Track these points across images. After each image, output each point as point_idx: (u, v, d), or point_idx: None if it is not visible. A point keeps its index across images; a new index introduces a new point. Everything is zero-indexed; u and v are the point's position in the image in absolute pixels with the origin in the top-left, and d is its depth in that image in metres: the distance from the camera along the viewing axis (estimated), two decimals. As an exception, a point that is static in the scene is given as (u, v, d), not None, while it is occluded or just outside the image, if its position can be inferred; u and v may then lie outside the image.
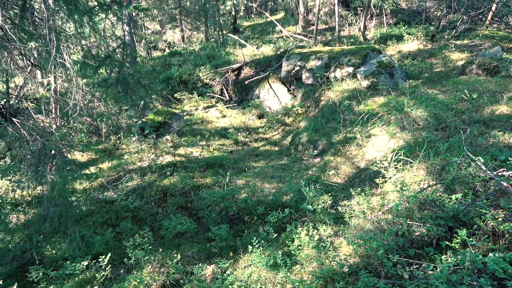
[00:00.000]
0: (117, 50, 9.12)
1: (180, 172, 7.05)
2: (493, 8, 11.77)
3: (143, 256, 4.24)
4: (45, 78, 8.18)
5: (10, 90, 10.41)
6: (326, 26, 16.89)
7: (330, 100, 8.74)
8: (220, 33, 17.65)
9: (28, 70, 8.67)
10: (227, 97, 12.42)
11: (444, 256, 3.25)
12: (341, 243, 4.22)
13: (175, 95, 11.99)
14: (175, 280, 4.12)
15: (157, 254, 4.20)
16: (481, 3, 12.38)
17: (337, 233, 4.47)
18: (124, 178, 7.02)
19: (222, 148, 8.67)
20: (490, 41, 10.82)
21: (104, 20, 10.68)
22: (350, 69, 9.48)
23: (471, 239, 3.35)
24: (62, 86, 7.52)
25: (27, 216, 6.01)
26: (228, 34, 17.76)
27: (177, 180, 6.71)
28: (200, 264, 4.10)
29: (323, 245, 4.17)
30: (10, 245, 5.35)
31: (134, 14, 17.01)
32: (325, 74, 9.77)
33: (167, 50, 19.16)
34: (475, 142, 5.36)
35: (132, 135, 8.92)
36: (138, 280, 3.91)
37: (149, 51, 18.47)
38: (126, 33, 14.48)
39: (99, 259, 4.29)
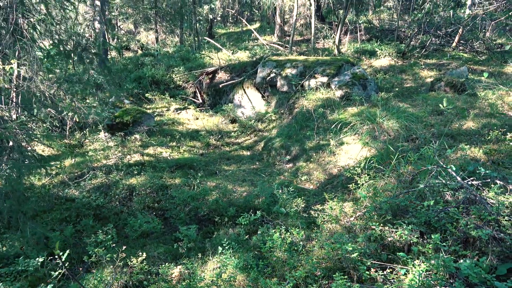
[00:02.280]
0: (88, 42, 8.74)
1: (148, 171, 6.78)
2: (460, 31, 12.36)
3: (105, 254, 3.97)
4: (6, 64, 7.70)
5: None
6: (302, 38, 17.14)
7: (304, 108, 8.77)
8: (196, 38, 17.48)
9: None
10: (200, 100, 12.22)
11: (417, 260, 3.23)
12: (314, 247, 4.14)
13: (146, 94, 11.67)
14: (139, 280, 3.88)
15: (120, 253, 3.94)
16: (449, 26, 12.98)
17: (310, 237, 4.39)
18: (88, 175, 6.65)
19: (193, 150, 8.46)
20: (457, 62, 11.32)
21: (76, 10, 10.26)
22: (325, 79, 9.59)
23: (444, 244, 3.37)
24: (26, 74, 7.10)
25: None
26: (205, 38, 17.63)
27: (145, 179, 6.43)
28: (166, 264, 3.88)
29: (296, 248, 4.08)
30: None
31: (107, 13, 16.54)
32: (299, 82, 9.83)
33: (140, 51, 18.74)
34: (444, 154, 5.49)
35: (98, 132, 8.53)
36: (98, 279, 3.64)
37: (121, 50, 17.98)
38: (97, 30, 14.03)
39: (56, 256, 3.97)
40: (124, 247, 4.08)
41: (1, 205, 5.43)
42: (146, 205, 5.76)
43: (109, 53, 15.12)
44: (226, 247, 4.12)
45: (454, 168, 4.35)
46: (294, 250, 4.05)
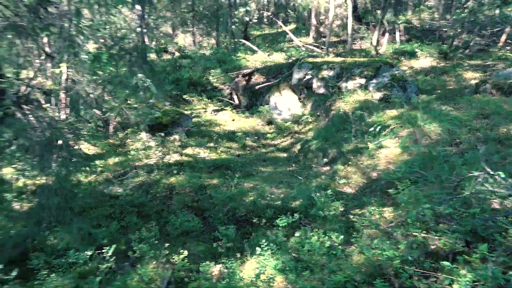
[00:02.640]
0: (128, 46, 9.06)
1: (187, 171, 6.96)
2: (507, 30, 11.79)
3: (148, 250, 4.13)
4: (56, 68, 8.13)
5: (21, 79, 10.37)
6: (338, 39, 16.94)
7: (341, 110, 8.68)
8: (232, 40, 17.71)
9: (40, 60, 8.64)
10: (237, 102, 12.38)
11: (463, 270, 3.14)
12: (353, 252, 4.10)
13: (184, 96, 11.96)
14: (180, 277, 4.00)
15: (162, 250, 4.09)
16: (495, 25, 12.41)
17: (348, 241, 4.36)
18: (130, 173, 6.93)
19: (230, 151, 8.59)
20: (504, 63, 10.80)
21: (119, 15, 10.69)
22: (362, 81, 9.44)
23: (492, 255, 3.24)
24: (74, 77, 7.48)
25: (31, 204, 5.91)
26: (240, 40, 17.82)
27: (184, 179, 6.61)
28: (207, 262, 3.98)
29: (334, 252, 4.06)
30: (12, 232, 5.24)
31: (146, 16, 17.09)
32: (336, 84, 9.74)
33: (177, 54, 19.22)
34: (491, 160, 5.27)
35: (139, 132, 8.85)
36: (143, 275, 3.79)
37: (160, 52, 18.51)
38: (138, 33, 14.52)
39: (103, 250, 4.18)
40: (166, 244, 4.22)
41: (50, 201, 5.76)
42: (185, 204, 5.92)
43: (148, 55, 15.62)
44: (265, 248, 4.17)
45: (502, 175, 4.17)
46: (333, 254, 4.03)
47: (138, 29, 14.44)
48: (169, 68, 14.58)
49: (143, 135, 8.68)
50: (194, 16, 19.92)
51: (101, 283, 3.85)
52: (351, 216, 4.78)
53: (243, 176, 6.99)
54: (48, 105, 7.79)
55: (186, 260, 4.03)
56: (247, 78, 12.85)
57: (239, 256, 4.37)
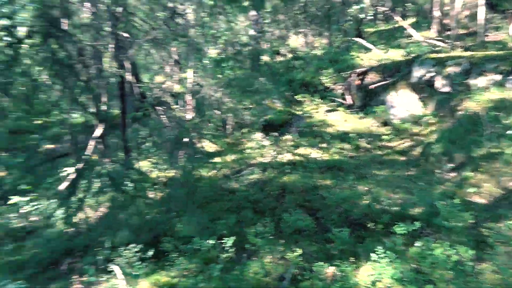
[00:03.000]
0: (245, 50, 9.50)
1: (299, 171, 7.05)
2: None
3: (264, 245, 4.31)
4: (183, 73, 8.99)
5: (154, 84, 11.81)
6: (466, 31, 15.19)
7: (470, 110, 7.78)
8: (344, 39, 17.31)
9: (170, 66, 9.67)
10: (349, 102, 12.06)
11: None
12: (485, 270, 3.66)
13: (296, 97, 12.12)
14: (293, 274, 4.08)
15: (277, 246, 4.22)
16: None
17: (480, 258, 3.90)
18: (246, 171, 7.30)
19: (342, 152, 8.42)
20: None
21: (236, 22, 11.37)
22: (497, 77, 8.31)
23: None
24: (197, 82, 8.19)
25: (163, 194, 6.66)
26: (353, 38, 17.30)
27: (296, 178, 6.71)
28: (320, 263, 3.98)
29: (462, 268, 3.67)
30: (147, 217, 6.00)
31: (260, 20, 17.79)
32: (464, 81, 8.75)
33: (289, 55, 19.55)
34: None
35: (254, 132, 9.27)
36: (260, 267, 3.97)
37: (272, 54, 19.08)
38: (253, 37, 15.22)
39: (223, 241, 4.49)
40: (281, 241, 4.34)
41: (178, 192, 6.42)
42: (298, 203, 6.00)
43: (261, 58, 16.25)
44: (381, 255, 3.98)
45: None
46: (461, 270, 3.65)
47: (253, 33, 15.13)
48: (282, 70, 14.94)
49: (258, 135, 9.07)
50: (306, 17, 20.02)
51: (221, 271, 4.16)
52: (483, 230, 4.27)
53: (356, 178, 6.78)
54: (177, 106, 8.66)
55: (300, 259, 4.09)
56: (360, 77, 12.41)
57: (353, 260, 4.26)
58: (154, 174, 7.43)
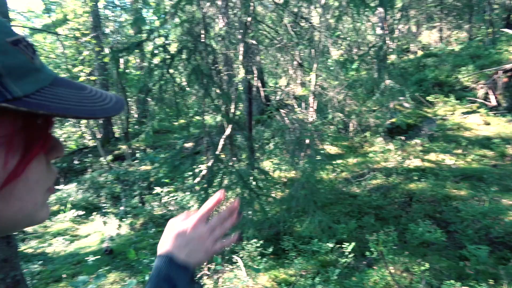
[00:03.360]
0: (371, 50, 9.19)
1: (429, 178, 6.48)
2: None
3: (386, 254, 4.11)
4: (307, 76, 9.12)
5: (278, 87, 12.26)
6: None
7: None
8: (490, 30, 15.17)
9: (293, 70, 9.92)
10: (494, 103, 10.54)
11: None
12: None
13: (428, 98, 11.12)
14: (420, 289, 3.79)
15: (401, 257, 3.98)
16: None
17: None
18: (368, 175, 7.05)
19: (483, 160, 7.42)
20: None
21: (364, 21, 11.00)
22: None
23: None
24: (320, 84, 8.22)
25: (283, 194, 6.90)
26: (501, 30, 15.06)
27: (426, 186, 6.19)
28: (451, 281, 3.61)
29: None
30: (269, 215, 6.29)
31: (388, 17, 16.82)
32: None
33: (420, 52, 18.05)
34: None
35: (378, 135, 8.86)
36: (380, 277, 3.81)
37: (400, 53, 17.90)
38: (379, 36, 14.51)
39: (343, 246, 4.44)
40: (406, 252, 4.08)
41: (299, 192, 6.56)
42: (426, 214, 5.54)
43: (389, 57, 15.38)
44: (531, 282, 3.42)
45: None
46: None
47: (380, 32, 14.46)
48: (411, 69, 13.90)
49: (382, 138, 8.65)
50: (441, 10, 18.19)
51: (339, 275, 4.12)
52: None
53: (500, 190, 5.91)
54: (299, 109, 8.84)
55: (427, 274, 3.78)
56: (509, 74, 10.73)
57: (492, 283, 3.75)
58: (276, 174, 7.74)
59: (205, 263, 5.18)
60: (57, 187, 9.30)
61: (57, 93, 0.42)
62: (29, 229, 7.12)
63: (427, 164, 7.11)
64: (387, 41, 14.26)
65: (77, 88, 0.46)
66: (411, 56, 17.63)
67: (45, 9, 11.95)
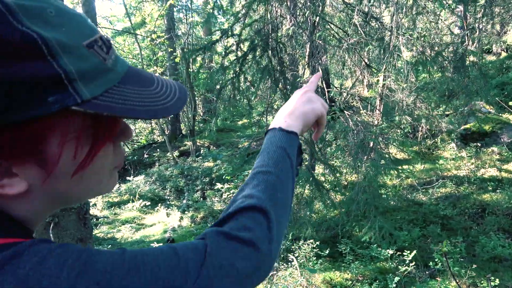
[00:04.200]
0: (447, 51, 8.65)
1: (506, 190, 5.93)
2: None
3: (452, 266, 3.85)
4: (374, 77, 8.82)
5: (344, 89, 12.01)
6: None
7: None
8: None
9: (361, 70, 9.66)
10: None
11: None
12: None
13: (510, 103, 10.16)
14: (487, 307, 3.50)
15: (468, 270, 3.71)
16: None
17: None
18: (437, 183, 6.63)
19: None
20: None
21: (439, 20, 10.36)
22: None
23: None
24: (388, 86, 7.90)
25: (343, 197, 6.75)
26: None
27: (502, 198, 5.68)
28: (526, 302, 3.29)
29: None
30: (326, 217, 6.21)
31: (468, 16, 15.60)
32: None
33: (504, 54, 16.52)
34: None
35: (450, 141, 8.30)
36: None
37: (481, 54, 16.52)
38: (457, 35, 13.52)
39: (403, 253, 4.24)
40: (474, 266, 3.80)
41: (360, 196, 6.38)
42: (500, 227, 5.08)
43: (467, 58, 14.27)
44: None
45: None
46: None
47: (458, 31, 13.54)
48: (493, 71, 12.79)
49: (454, 144, 8.08)
50: (532, 7, 16.44)
51: (398, 283, 3.95)
52: None
53: None
54: (364, 111, 8.59)
55: (497, 290, 3.48)
56: None
57: None
58: (337, 176, 7.59)
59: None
60: (128, 178, 10.03)
61: (123, 93, 0.45)
62: (101, 216, 7.79)
63: (504, 175, 6.51)
64: (466, 41, 13.31)
65: (144, 84, 0.49)
66: (493, 58, 16.22)
67: (126, 14, 12.94)
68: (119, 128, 0.49)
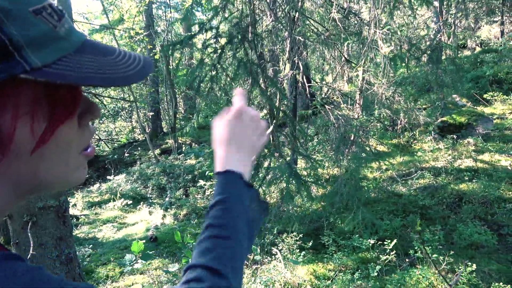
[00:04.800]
0: (424, 45, 8.83)
1: (481, 179, 6.12)
2: None
3: (431, 253, 3.95)
4: (353, 72, 8.91)
5: (324, 83, 12.12)
6: None
7: None
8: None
9: (340, 65, 9.76)
10: (560, 102, 9.71)
11: None
12: None
13: (485, 95, 10.47)
14: (464, 291, 3.62)
15: (446, 257, 3.81)
16: None
17: None
18: (415, 174, 6.79)
19: (545, 161, 6.88)
20: None
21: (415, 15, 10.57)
22: None
23: None
24: (368, 80, 8.01)
25: (324, 190, 6.83)
26: None
27: (477, 187, 5.86)
28: (501, 284, 3.41)
29: None
30: (309, 210, 6.27)
31: (444, 12, 15.98)
32: None
33: (478, 48, 17.00)
34: None
35: (428, 134, 8.50)
36: (423, 276, 3.68)
37: (456, 49, 16.95)
38: (433, 30, 13.84)
39: (384, 243, 4.33)
40: (452, 252, 3.91)
41: (342, 188, 6.47)
42: (476, 215, 5.24)
43: (443, 53, 14.61)
44: None
45: None
46: None
47: (434, 26, 13.84)
48: (467, 65, 13.14)
49: (431, 137, 8.28)
50: (503, 3, 16.98)
51: (380, 272, 4.03)
52: None
53: None
54: (345, 105, 8.69)
55: (473, 275, 3.60)
56: None
57: (548, 290, 3.49)
58: (318, 171, 7.66)
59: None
60: (109, 177, 9.87)
61: (79, 61, 0.43)
62: (81, 215, 7.65)
63: (480, 165, 6.71)
64: (442, 36, 13.61)
65: (103, 53, 0.46)
66: (468, 53, 16.67)
67: (103, 10, 12.69)
68: (79, 101, 0.46)
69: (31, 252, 2.84)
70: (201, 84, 3.50)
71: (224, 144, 0.71)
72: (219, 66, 3.36)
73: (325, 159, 7.79)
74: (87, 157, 0.51)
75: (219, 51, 3.34)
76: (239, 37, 3.32)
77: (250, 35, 3.43)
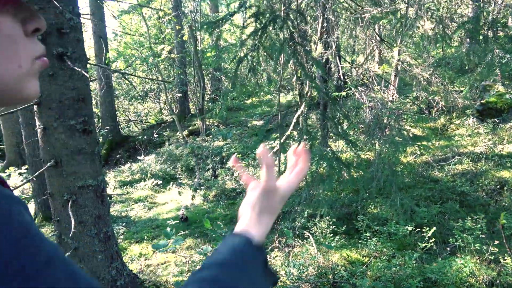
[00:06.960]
0: (463, 24, 8.36)
1: (526, 166, 5.81)
2: None
3: (473, 243, 3.78)
4: (389, 52, 8.56)
5: (357, 64, 11.75)
6: None
7: None
8: None
9: (375, 45, 9.40)
10: None
11: None
12: None
13: (528, 77, 9.87)
14: (507, 282, 3.45)
15: (490, 246, 3.64)
16: None
17: None
18: (453, 160, 6.51)
19: None
20: None
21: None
22: None
23: None
24: (404, 61, 7.68)
25: (357, 174, 6.67)
26: None
27: (521, 174, 5.56)
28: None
29: None
30: (341, 195, 6.15)
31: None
32: None
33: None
34: None
35: (466, 117, 8.11)
36: (464, 265, 3.53)
37: (499, 26, 16.02)
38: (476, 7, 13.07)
39: (423, 230, 4.18)
40: (496, 242, 3.73)
41: (379, 173, 6.30)
42: (520, 203, 4.99)
43: (484, 32, 13.83)
44: None
45: None
46: None
47: (477, 2, 13.06)
48: (509, 45, 12.39)
49: (470, 120, 7.91)
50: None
51: (418, 260, 3.90)
52: None
53: None
54: (379, 87, 8.38)
55: (520, 266, 3.42)
56: None
57: None
58: (349, 154, 7.51)
59: (276, 235, 5.25)
60: (139, 157, 10.04)
61: None
62: (114, 194, 7.83)
63: (524, 151, 6.37)
64: (483, 13, 12.85)
65: None
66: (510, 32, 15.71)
67: (132, -9, 12.68)
68: (20, 7, 0.45)
69: (72, 230, 2.88)
70: (239, 64, 3.40)
71: (250, 211, 0.69)
72: (259, 45, 3.24)
73: (358, 142, 7.59)
74: (42, 66, 0.49)
75: (259, 30, 3.21)
76: (282, 15, 3.18)
77: (292, 12, 3.28)
